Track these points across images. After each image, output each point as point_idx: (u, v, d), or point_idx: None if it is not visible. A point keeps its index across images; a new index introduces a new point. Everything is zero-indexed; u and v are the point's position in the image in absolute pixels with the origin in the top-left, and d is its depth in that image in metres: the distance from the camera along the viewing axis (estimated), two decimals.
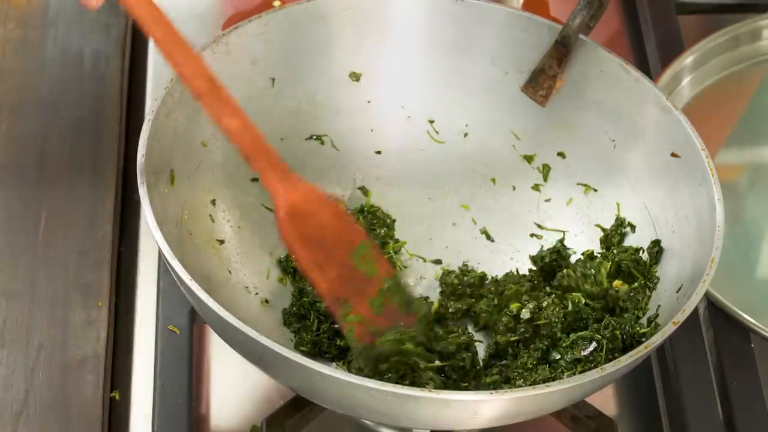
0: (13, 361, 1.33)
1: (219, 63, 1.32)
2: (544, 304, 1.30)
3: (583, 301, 1.29)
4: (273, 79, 1.38)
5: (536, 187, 1.42)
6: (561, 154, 1.41)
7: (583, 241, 1.38)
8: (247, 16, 1.49)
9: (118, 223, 1.45)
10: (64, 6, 1.61)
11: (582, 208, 1.40)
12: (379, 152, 1.44)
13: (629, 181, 1.36)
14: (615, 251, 1.33)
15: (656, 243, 1.32)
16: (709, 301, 1.38)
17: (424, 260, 1.41)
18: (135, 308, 1.40)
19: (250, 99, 1.36)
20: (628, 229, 1.36)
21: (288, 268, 1.36)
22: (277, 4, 1.54)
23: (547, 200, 1.41)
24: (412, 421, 1.15)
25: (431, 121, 1.44)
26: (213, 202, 1.33)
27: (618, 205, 1.37)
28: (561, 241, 1.39)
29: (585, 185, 1.40)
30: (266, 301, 1.34)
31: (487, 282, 1.38)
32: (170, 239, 1.18)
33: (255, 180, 1.37)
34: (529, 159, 1.42)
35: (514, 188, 1.43)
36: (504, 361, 1.30)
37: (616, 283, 1.31)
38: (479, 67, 1.41)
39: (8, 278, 1.39)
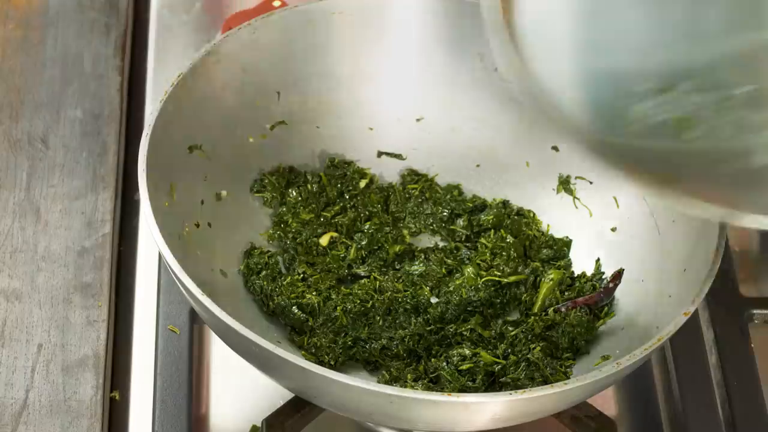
0: (13, 361, 1.33)
1: (219, 64, 1.32)
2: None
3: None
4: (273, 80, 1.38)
5: (531, 182, 1.42)
6: (555, 148, 1.40)
7: (579, 235, 1.38)
8: (248, 16, 1.50)
9: (118, 223, 1.45)
10: (64, 6, 1.61)
11: (577, 201, 1.40)
12: (378, 152, 1.43)
13: None
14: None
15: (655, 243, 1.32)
16: (710, 301, 1.38)
17: None
18: (135, 308, 1.40)
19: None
20: (625, 227, 1.35)
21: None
22: (277, 3, 1.54)
23: (542, 194, 1.41)
24: (412, 422, 1.15)
25: (426, 119, 1.43)
26: (212, 208, 1.33)
27: (615, 199, 1.37)
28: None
29: (580, 178, 1.39)
30: None
31: None
32: (171, 243, 1.18)
33: (254, 185, 1.38)
34: (523, 154, 1.42)
35: (508, 184, 1.43)
36: None
37: None
38: (473, 64, 1.41)
39: (8, 278, 1.39)
